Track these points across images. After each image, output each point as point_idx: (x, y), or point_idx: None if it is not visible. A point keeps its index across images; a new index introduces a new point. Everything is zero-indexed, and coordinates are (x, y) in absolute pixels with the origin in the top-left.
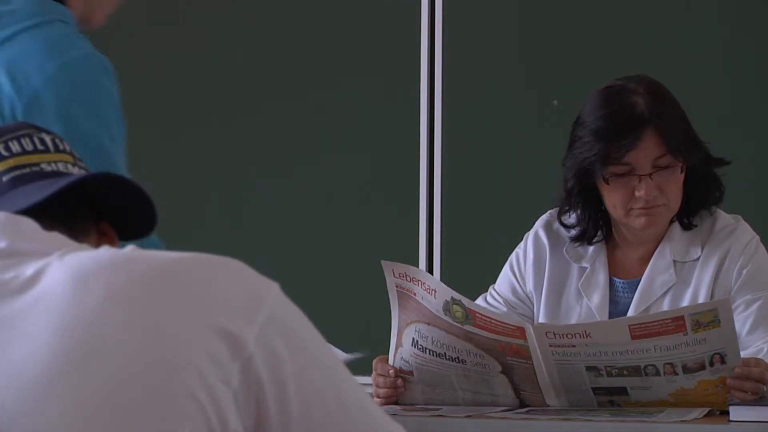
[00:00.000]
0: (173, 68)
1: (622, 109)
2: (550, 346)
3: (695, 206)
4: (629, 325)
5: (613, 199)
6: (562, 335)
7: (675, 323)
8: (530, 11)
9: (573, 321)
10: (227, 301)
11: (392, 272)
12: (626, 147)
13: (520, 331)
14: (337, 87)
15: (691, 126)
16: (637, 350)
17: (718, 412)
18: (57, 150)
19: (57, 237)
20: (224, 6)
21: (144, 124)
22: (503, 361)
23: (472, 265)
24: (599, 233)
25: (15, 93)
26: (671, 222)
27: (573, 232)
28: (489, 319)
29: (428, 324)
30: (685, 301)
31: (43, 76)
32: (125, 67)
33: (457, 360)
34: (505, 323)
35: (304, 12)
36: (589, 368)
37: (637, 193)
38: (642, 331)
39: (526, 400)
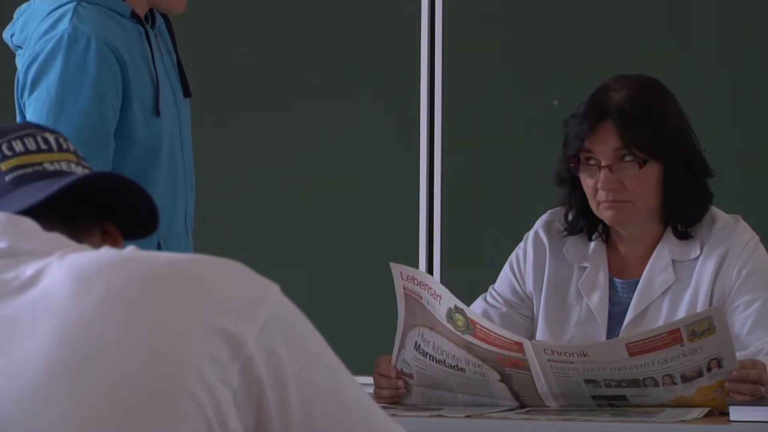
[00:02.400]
0: None
1: (594, 100)
2: (549, 360)
3: (680, 214)
4: (626, 344)
5: (586, 190)
6: (560, 353)
7: (671, 336)
8: (530, 11)
9: (573, 321)
10: (227, 302)
11: (400, 274)
12: (583, 133)
13: (519, 346)
14: (337, 86)
15: (678, 130)
16: (635, 365)
17: (717, 413)
18: (60, 149)
19: (57, 237)
20: (223, 5)
21: None
22: (501, 371)
23: (472, 265)
24: (595, 232)
25: None
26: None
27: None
28: (489, 331)
29: (431, 329)
30: (685, 301)
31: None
32: None
33: (456, 368)
34: (505, 337)
35: (305, 12)
36: (587, 381)
37: (598, 185)
38: (639, 347)
39: (525, 403)
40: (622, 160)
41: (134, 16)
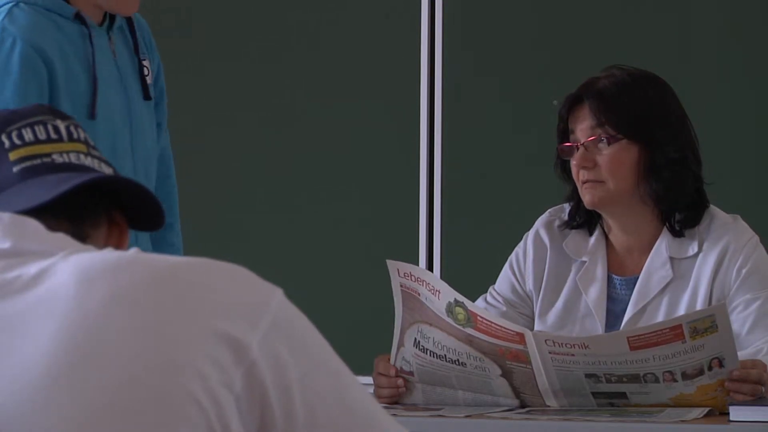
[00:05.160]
0: (175, 71)
1: (582, 84)
2: (550, 353)
3: (663, 204)
4: (628, 337)
5: (573, 176)
6: (561, 344)
7: (673, 332)
8: (530, 11)
9: (571, 317)
10: (230, 306)
11: (397, 271)
12: (564, 111)
13: (520, 337)
14: (337, 86)
15: (660, 116)
16: (636, 360)
17: (718, 412)
18: (71, 139)
19: (61, 237)
20: (224, 7)
21: None
22: (502, 364)
23: (472, 265)
24: (594, 227)
25: None
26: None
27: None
28: (490, 323)
29: (430, 325)
30: (684, 299)
31: None
32: None
33: (457, 362)
34: (506, 328)
35: (306, 13)
36: (588, 375)
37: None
38: (640, 342)
39: (526, 402)
40: (596, 138)
41: (78, 17)
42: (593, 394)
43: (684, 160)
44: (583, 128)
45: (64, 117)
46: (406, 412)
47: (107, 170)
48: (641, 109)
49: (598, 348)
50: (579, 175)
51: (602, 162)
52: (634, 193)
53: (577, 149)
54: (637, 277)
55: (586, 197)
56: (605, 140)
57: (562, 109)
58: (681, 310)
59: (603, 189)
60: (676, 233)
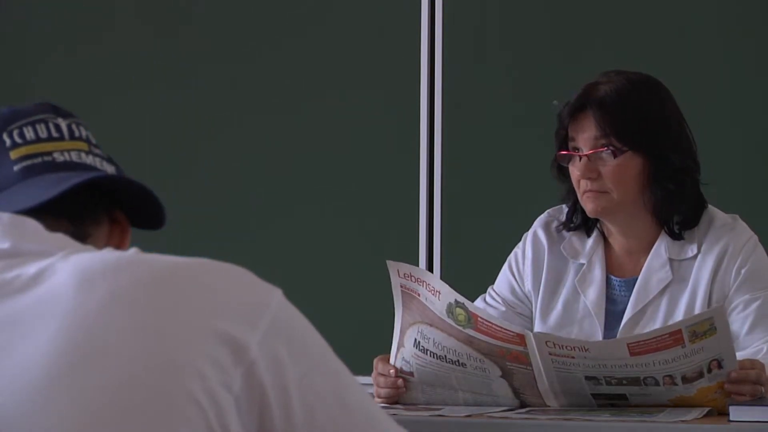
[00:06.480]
0: (175, 74)
1: (582, 90)
2: (550, 354)
3: (663, 211)
4: (628, 344)
5: (573, 182)
6: (561, 346)
7: (673, 337)
8: (530, 11)
9: (570, 318)
10: (230, 307)
11: (397, 272)
12: (565, 120)
13: (520, 338)
14: (337, 87)
15: (662, 125)
16: (636, 364)
17: (717, 412)
18: (72, 137)
19: (61, 238)
20: (224, 7)
21: (145, 129)
22: (503, 365)
23: (472, 265)
24: (592, 229)
25: None
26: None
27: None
28: (490, 324)
29: (430, 325)
30: (683, 300)
31: None
32: (126, 72)
33: (457, 363)
34: (506, 329)
35: (305, 14)
36: (588, 377)
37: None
38: (640, 348)
39: (526, 402)
40: (601, 150)
41: None
42: (593, 395)
43: (686, 167)
44: (585, 138)
45: (66, 115)
46: (406, 412)
47: (109, 169)
48: (644, 120)
49: (598, 352)
50: (581, 184)
51: (606, 173)
52: (637, 201)
53: (579, 159)
54: (636, 279)
55: (589, 206)
56: (610, 152)
57: (564, 117)
58: (680, 311)
59: (606, 199)
60: (676, 236)
